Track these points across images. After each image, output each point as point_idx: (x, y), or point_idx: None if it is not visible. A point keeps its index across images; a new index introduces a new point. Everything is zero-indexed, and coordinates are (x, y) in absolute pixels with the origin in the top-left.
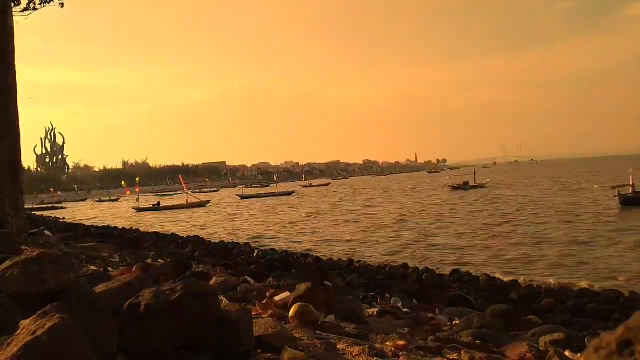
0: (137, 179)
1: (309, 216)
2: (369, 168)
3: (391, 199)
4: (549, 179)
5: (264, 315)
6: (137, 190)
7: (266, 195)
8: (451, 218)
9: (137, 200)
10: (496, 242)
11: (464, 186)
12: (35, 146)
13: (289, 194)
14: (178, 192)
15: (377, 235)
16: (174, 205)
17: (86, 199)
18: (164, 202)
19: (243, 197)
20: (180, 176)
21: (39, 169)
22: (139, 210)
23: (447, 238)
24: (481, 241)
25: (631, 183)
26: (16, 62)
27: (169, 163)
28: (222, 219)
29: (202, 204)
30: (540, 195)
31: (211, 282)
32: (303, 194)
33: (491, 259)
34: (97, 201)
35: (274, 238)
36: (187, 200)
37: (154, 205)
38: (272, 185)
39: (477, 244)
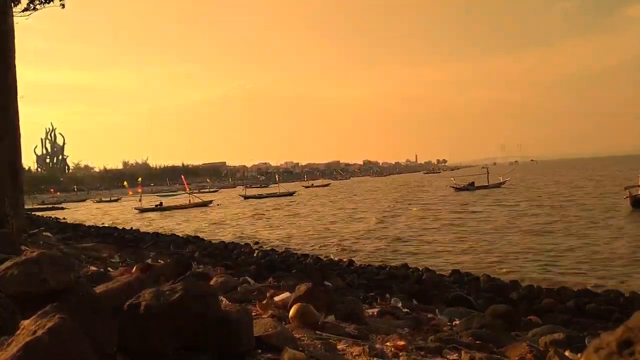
0: (140, 179)
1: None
2: (369, 168)
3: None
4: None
5: (264, 316)
6: (140, 190)
7: (268, 195)
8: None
9: (140, 200)
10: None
11: (469, 187)
12: (36, 146)
13: (291, 194)
14: (180, 192)
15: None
16: (177, 206)
17: (86, 200)
18: (167, 202)
19: (246, 198)
20: (182, 176)
21: (39, 169)
22: (142, 210)
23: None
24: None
25: None
26: (16, 62)
27: (169, 163)
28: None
29: (204, 204)
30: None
31: (211, 283)
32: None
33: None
34: (98, 201)
35: None
36: (189, 200)
37: (156, 205)
38: (272, 185)
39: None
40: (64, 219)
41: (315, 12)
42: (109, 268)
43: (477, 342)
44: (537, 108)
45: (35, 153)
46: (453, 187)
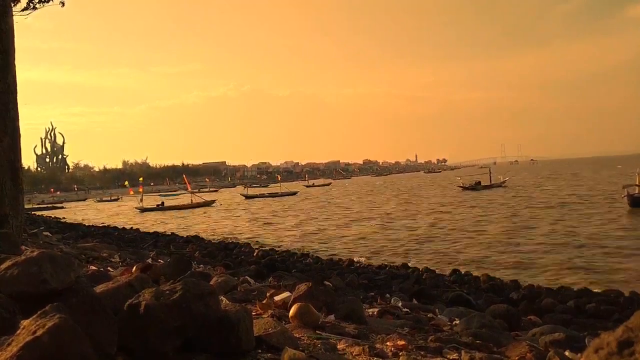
0: (141, 178)
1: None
2: (369, 168)
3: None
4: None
5: (264, 315)
6: (140, 190)
7: (270, 195)
8: None
9: (141, 200)
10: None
11: (476, 186)
12: (35, 146)
13: (293, 194)
14: (181, 192)
15: None
16: (179, 206)
17: (86, 199)
18: (168, 202)
19: (248, 197)
20: (184, 176)
21: (39, 169)
22: (143, 210)
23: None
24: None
25: (638, 183)
26: (17, 62)
27: (169, 163)
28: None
29: (207, 204)
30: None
31: (211, 282)
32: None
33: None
34: (98, 201)
35: None
36: (191, 200)
37: (157, 205)
38: (272, 185)
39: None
40: (63, 218)
41: (315, 12)
42: (109, 268)
43: (477, 342)
44: (537, 108)
45: (35, 153)
46: (460, 187)
